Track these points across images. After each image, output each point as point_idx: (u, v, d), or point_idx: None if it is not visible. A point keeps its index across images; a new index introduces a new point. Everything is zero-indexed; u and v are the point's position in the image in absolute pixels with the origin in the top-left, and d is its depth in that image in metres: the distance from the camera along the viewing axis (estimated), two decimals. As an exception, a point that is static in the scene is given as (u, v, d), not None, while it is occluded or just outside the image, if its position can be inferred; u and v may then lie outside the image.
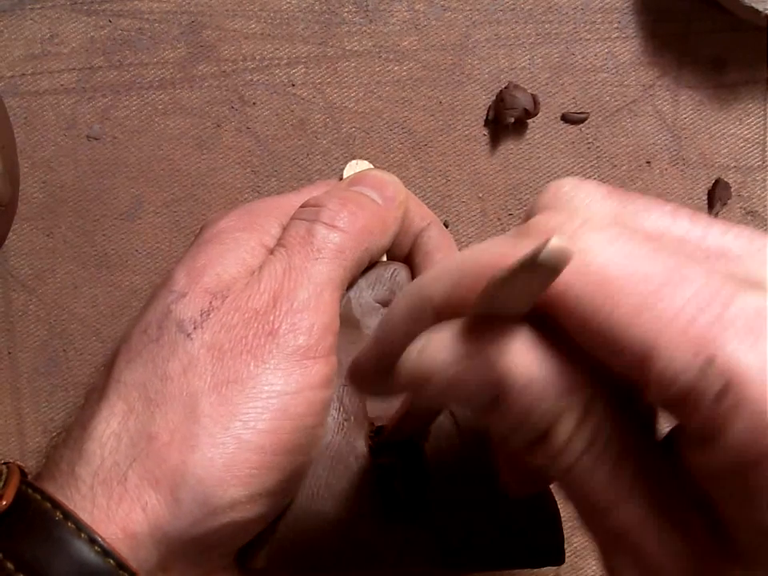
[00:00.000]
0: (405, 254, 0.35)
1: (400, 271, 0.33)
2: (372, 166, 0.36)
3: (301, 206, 0.32)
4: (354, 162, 0.36)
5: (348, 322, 0.32)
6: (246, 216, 0.32)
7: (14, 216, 0.41)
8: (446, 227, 0.42)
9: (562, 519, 0.33)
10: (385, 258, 0.34)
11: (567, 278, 0.18)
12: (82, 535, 0.26)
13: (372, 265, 0.33)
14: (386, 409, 0.31)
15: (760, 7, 0.39)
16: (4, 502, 0.26)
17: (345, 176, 0.35)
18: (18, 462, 0.28)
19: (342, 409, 0.31)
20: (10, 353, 0.41)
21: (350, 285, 0.32)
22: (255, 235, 0.31)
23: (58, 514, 0.26)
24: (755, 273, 0.20)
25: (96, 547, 0.25)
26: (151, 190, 0.42)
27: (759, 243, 0.21)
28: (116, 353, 0.30)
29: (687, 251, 0.20)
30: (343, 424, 0.31)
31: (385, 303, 0.33)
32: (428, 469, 0.31)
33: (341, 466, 0.30)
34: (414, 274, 0.34)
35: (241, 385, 0.28)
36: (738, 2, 0.40)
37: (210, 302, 0.29)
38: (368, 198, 0.32)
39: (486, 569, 0.32)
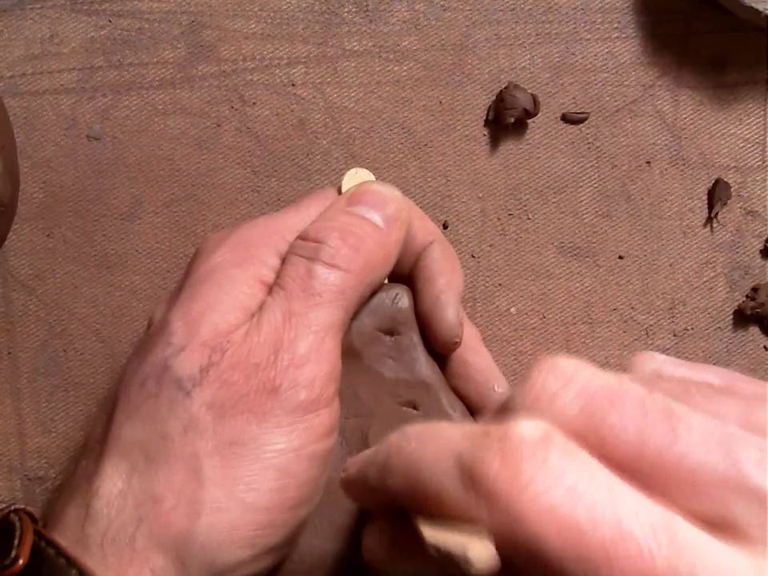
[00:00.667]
0: (406, 272, 0.34)
1: (402, 296, 0.32)
2: (372, 175, 0.34)
3: (299, 237, 0.31)
4: (353, 170, 0.34)
5: (349, 352, 0.31)
6: (241, 247, 0.31)
7: (14, 216, 0.41)
8: (446, 227, 0.42)
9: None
10: (386, 280, 0.33)
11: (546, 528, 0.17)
12: None
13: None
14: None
15: (760, 7, 0.39)
16: (21, 561, 0.26)
17: (343, 185, 0.34)
18: (28, 508, 0.28)
19: (343, 442, 0.31)
20: (10, 353, 0.41)
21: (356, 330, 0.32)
22: (252, 271, 0.30)
23: (73, 572, 0.26)
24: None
25: None
26: (151, 190, 0.42)
27: None
28: (114, 401, 0.30)
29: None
30: (345, 458, 0.31)
31: (386, 331, 0.32)
32: None
33: (343, 501, 0.30)
34: (415, 299, 0.33)
35: (243, 446, 0.27)
36: (738, 2, 0.40)
37: (210, 357, 0.28)
38: (369, 223, 0.31)
39: None
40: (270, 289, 0.30)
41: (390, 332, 0.32)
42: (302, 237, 0.31)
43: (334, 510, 0.30)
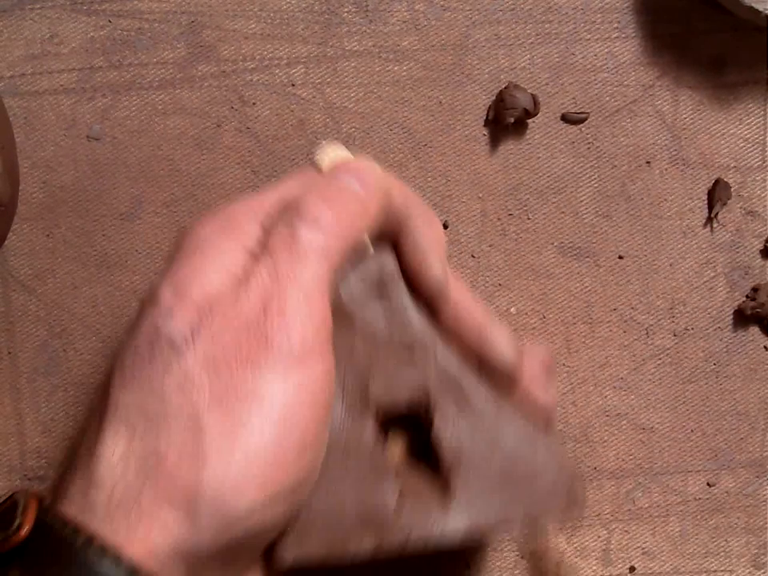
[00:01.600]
0: (389, 238, 0.34)
1: (388, 260, 0.33)
2: (344, 148, 0.35)
3: (282, 206, 0.32)
4: (324, 142, 0.35)
5: (340, 312, 0.32)
6: (225, 220, 0.31)
7: (14, 216, 0.41)
8: (446, 227, 0.42)
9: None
10: (371, 248, 0.34)
11: None
12: (108, 558, 0.26)
13: (359, 256, 0.33)
14: (388, 392, 0.32)
15: (760, 7, 0.39)
16: (24, 531, 0.26)
17: (317, 158, 0.34)
18: (34, 490, 0.28)
19: (345, 396, 0.32)
20: (10, 353, 0.41)
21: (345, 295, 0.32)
22: (236, 240, 0.31)
23: (80, 538, 0.26)
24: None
25: (123, 568, 0.25)
26: (151, 190, 0.42)
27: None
28: (110, 375, 0.30)
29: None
30: (349, 411, 0.31)
31: (376, 294, 0.33)
32: (435, 443, 0.32)
33: (353, 453, 0.31)
34: (401, 261, 0.33)
35: (241, 396, 0.27)
36: (738, 2, 0.40)
37: (200, 316, 0.28)
38: (348, 189, 0.32)
39: (505, 528, 0.32)
40: (255, 256, 0.31)
41: (380, 295, 0.33)
42: (284, 204, 0.32)
43: (346, 463, 0.31)
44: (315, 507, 0.30)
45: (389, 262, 0.33)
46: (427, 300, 0.33)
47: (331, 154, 0.34)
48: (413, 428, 0.33)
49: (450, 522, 0.31)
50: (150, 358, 0.28)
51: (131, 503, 0.27)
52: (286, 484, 0.28)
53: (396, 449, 0.33)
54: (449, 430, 0.32)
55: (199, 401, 0.27)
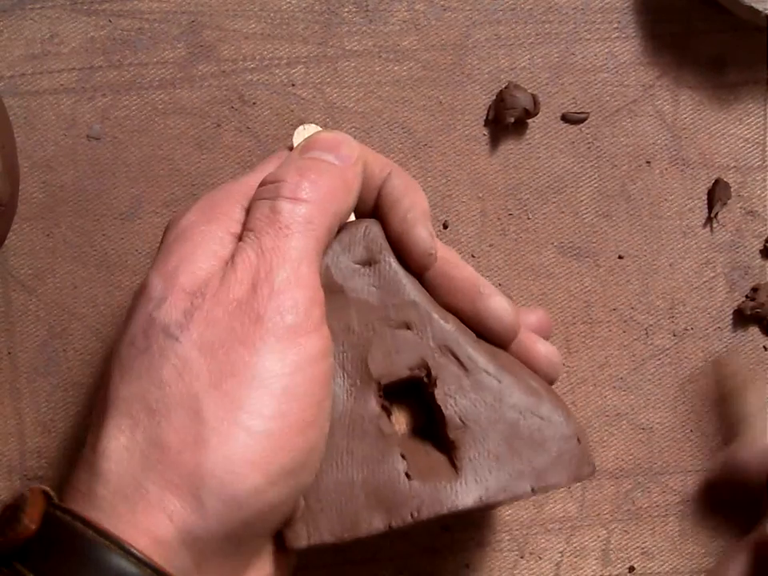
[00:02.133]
0: (371, 208, 0.34)
1: (371, 227, 0.33)
2: (320, 128, 0.35)
3: (259, 185, 0.32)
4: (301, 127, 0.35)
5: (332, 289, 0.32)
6: (208, 208, 0.32)
7: (14, 216, 0.41)
8: (446, 227, 0.42)
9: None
10: (353, 217, 0.34)
11: None
12: (117, 550, 0.26)
13: (342, 227, 0.33)
14: (388, 366, 0.32)
15: (760, 7, 0.39)
16: (33, 526, 0.26)
17: (294, 142, 0.35)
18: (43, 486, 0.28)
19: (345, 375, 0.32)
20: (9, 353, 0.41)
21: (325, 251, 0.32)
22: (221, 225, 0.31)
23: (89, 532, 0.26)
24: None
25: (132, 559, 0.25)
26: (151, 190, 0.42)
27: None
28: (109, 371, 0.30)
29: None
30: (350, 390, 0.31)
31: (364, 263, 0.33)
32: (438, 414, 0.32)
33: (358, 431, 0.31)
34: (385, 228, 0.33)
35: (239, 377, 0.28)
36: (738, 2, 0.40)
37: (191, 302, 0.29)
38: (324, 161, 0.32)
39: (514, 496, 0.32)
40: (241, 238, 0.31)
41: (368, 262, 0.33)
42: (262, 183, 0.32)
43: (351, 441, 0.31)
44: (324, 489, 0.30)
45: (374, 230, 0.33)
46: (416, 266, 0.33)
47: (308, 136, 0.34)
48: (415, 402, 0.33)
49: (460, 495, 0.31)
50: (146, 347, 0.28)
51: (136, 495, 0.27)
52: (289, 464, 0.28)
53: (400, 424, 0.33)
54: (451, 399, 0.32)
55: (198, 386, 0.27)
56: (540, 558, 0.41)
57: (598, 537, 0.41)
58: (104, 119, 0.42)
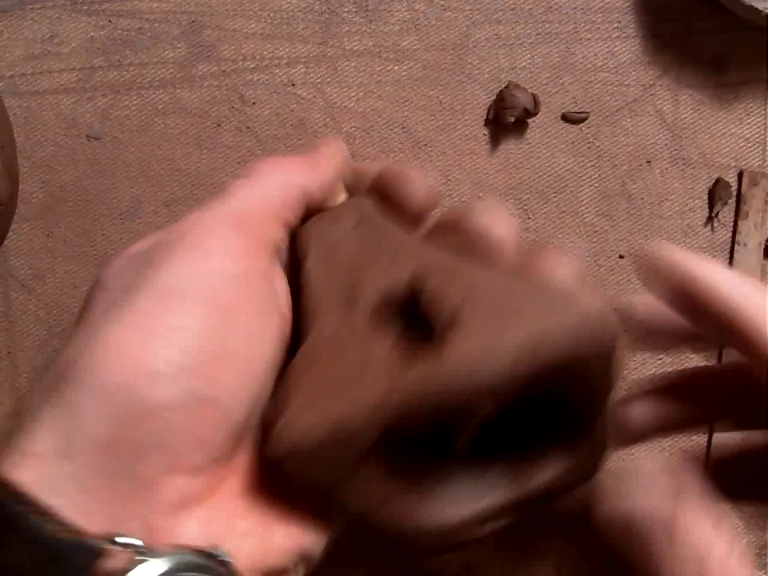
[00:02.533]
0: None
1: (365, 205, 0.32)
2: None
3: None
4: None
5: (343, 257, 0.31)
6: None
7: (14, 216, 0.41)
8: (446, 227, 0.42)
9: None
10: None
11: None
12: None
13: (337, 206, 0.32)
14: (378, 287, 0.30)
15: (760, 7, 0.39)
16: None
17: None
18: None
19: (334, 299, 0.30)
20: (9, 353, 0.41)
21: (318, 233, 0.31)
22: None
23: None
24: None
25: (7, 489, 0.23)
26: (151, 190, 0.42)
27: None
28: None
29: None
30: (339, 315, 0.29)
31: (356, 224, 0.32)
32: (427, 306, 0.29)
33: (347, 352, 0.28)
34: (381, 196, 0.33)
35: (146, 291, 0.26)
36: (738, 1, 0.40)
37: (129, 258, 0.27)
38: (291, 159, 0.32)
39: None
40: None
41: (360, 224, 0.32)
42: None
43: (339, 365, 0.28)
44: (309, 386, 0.27)
45: (366, 204, 0.32)
46: (412, 203, 0.33)
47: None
48: (407, 322, 0.29)
49: (450, 370, 0.26)
50: (86, 306, 0.27)
51: (29, 421, 0.25)
52: (202, 390, 0.24)
53: (390, 340, 0.29)
54: (442, 292, 0.28)
55: (108, 307, 0.26)
56: (540, 558, 0.41)
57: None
58: (104, 119, 0.42)
